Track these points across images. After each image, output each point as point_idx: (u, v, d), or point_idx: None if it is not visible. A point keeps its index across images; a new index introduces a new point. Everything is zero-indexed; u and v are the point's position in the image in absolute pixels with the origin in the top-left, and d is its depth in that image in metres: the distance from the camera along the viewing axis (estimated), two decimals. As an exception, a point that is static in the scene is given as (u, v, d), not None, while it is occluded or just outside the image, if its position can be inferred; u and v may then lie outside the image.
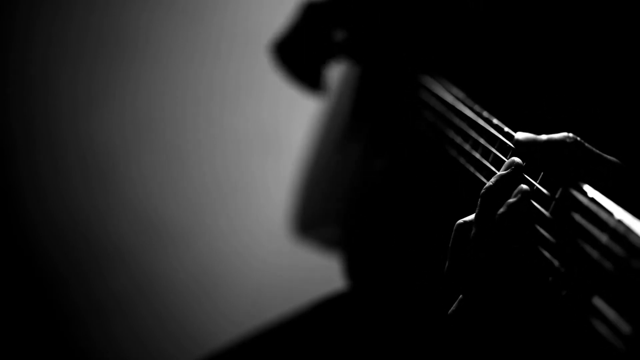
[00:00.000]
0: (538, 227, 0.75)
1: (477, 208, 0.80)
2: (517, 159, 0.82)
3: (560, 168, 0.76)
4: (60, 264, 2.48)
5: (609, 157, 0.76)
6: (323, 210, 1.48)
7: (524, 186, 0.78)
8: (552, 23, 1.04)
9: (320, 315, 1.29)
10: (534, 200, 0.77)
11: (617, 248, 0.64)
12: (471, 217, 0.82)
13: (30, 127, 2.47)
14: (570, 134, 0.77)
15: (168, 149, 2.53)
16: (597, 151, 0.76)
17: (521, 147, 0.81)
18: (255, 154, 2.55)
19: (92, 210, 2.49)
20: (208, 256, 2.54)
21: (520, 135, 0.81)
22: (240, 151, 2.55)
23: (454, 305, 0.81)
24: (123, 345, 2.46)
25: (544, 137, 0.79)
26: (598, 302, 0.64)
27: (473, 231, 0.80)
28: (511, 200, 0.78)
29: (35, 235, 2.48)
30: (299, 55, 1.37)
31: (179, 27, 2.50)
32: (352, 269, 1.28)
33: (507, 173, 0.81)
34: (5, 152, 2.48)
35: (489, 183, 0.81)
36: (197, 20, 2.50)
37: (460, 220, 0.82)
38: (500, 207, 0.78)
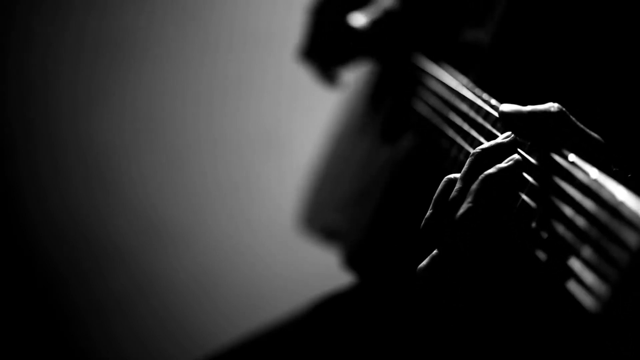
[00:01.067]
0: (520, 194, 0.75)
1: (466, 165, 0.80)
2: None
3: (546, 138, 0.76)
4: (60, 264, 2.48)
5: (592, 133, 0.76)
6: (330, 199, 1.49)
7: (518, 156, 0.78)
8: (552, 22, 1.04)
9: (320, 314, 1.29)
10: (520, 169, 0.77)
11: (588, 204, 0.65)
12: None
13: (30, 127, 2.47)
14: (555, 104, 0.77)
15: (168, 149, 2.54)
16: (581, 125, 0.76)
17: (506, 119, 0.81)
18: (257, 154, 2.56)
19: (92, 210, 2.50)
20: (208, 256, 2.54)
21: (505, 107, 0.81)
22: (241, 151, 2.56)
23: (425, 260, 0.81)
24: (123, 345, 2.47)
25: (528, 107, 0.79)
26: (574, 263, 0.65)
27: (457, 186, 0.80)
28: (503, 165, 0.78)
29: (35, 235, 2.48)
30: (325, 53, 1.40)
31: (179, 26, 2.50)
32: (352, 258, 1.28)
33: (504, 142, 0.81)
34: (5, 152, 2.48)
35: (483, 145, 0.81)
36: (197, 20, 2.51)
37: (450, 176, 0.82)
38: (488, 169, 0.78)
